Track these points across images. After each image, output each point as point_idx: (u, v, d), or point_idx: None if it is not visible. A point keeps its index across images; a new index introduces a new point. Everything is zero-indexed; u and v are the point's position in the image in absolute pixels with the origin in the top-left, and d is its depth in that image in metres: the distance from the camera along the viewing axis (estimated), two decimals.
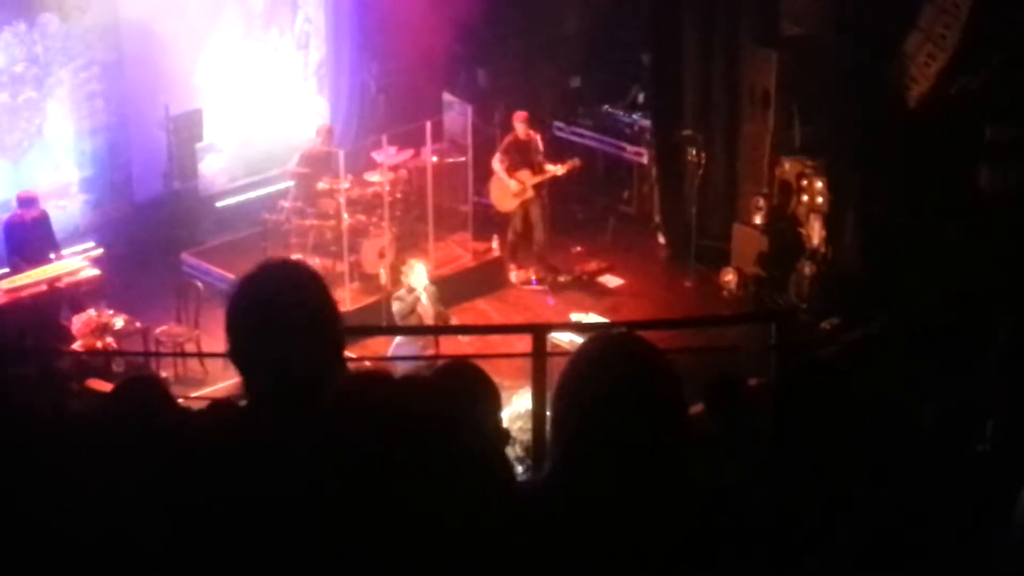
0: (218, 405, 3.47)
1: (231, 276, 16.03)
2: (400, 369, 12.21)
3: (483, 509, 2.47)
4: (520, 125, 16.59)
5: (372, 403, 2.47)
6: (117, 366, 13.10)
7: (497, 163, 16.72)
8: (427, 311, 13.72)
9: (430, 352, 13.33)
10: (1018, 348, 3.39)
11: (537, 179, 16.68)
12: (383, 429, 2.41)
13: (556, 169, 16.76)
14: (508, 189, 16.70)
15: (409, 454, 2.38)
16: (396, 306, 13.79)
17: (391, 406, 2.46)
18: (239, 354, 3.14)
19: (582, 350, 3.07)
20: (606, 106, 18.93)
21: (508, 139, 16.81)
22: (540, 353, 7.66)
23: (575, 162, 17.04)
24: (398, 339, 13.80)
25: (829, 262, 15.43)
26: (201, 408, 3.51)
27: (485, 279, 16.71)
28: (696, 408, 7.31)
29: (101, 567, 3.33)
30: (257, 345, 3.11)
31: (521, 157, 16.65)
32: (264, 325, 3.11)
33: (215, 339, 14.70)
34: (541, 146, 16.82)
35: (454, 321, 14.66)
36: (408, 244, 16.46)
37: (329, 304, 3.21)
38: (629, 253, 17.54)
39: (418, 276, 13.81)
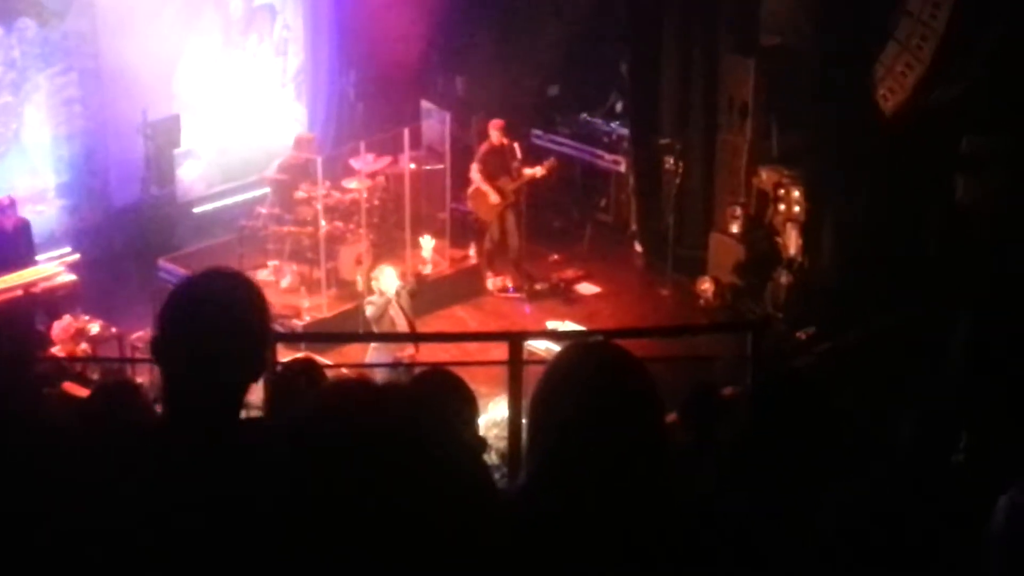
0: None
1: None
2: (379, 376, 12.24)
3: (461, 518, 2.47)
4: (495, 132, 16.59)
5: (350, 411, 2.47)
6: (92, 372, 13.05)
7: (475, 173, 16.70)
8: (399, 314, 13.73)
9: (407, 353, 13.35)
10: (977, 351, 3.41)
11: (516, 184, 16.67)
12: (360, 437, 2.41)
13: (535, 171, 16.75)
14: (488, 198, 16.68)
15: (386, 462, 2.38)
16: (369, 311, 13.81)
17: (368, 414, 2.46)
18: (163, 349, 3.20)
19: (558, 358, 3.07)
20: (584, 114, 18.97)
21: (484, 147, 16.79)
22: (516, 361, 7.68)
23: (552, 162, 17.01)
24: (374, 344, 13.82)
25: (806, 271, 15.46)
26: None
27: (462, 286, 16.71)
28: (672, 417, 7.32)
29: (73, 572, 3.32)
30: (181, 341, 3.17)
31: (498, 164, 16.64)
32: (194, 323, 3.17)
33: None
34: (518, 152, 16.81)
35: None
36: (385, 251, 16.45)
37: (264, 316, 3.28)
38: (606, 261, 17.56)
39: (388, 280, 13.81)
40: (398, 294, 13.78)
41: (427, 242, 16.53)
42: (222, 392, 3.19)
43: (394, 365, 12.84)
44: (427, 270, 16.31)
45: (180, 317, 3.23)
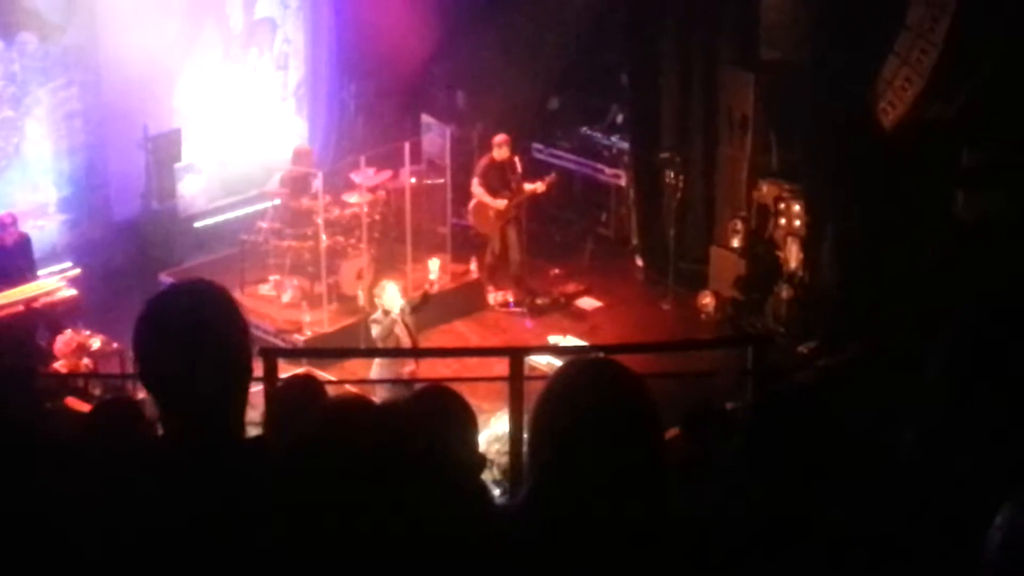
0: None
1: None
2: (381, 392, 12.23)
3: (460, 535, 2.47)
4: (500, 148, 16.57)
5: (349, 430, 2.48)
6: (94, 387, 13.05)
7: (476, 187, 16.70)
8: (404, 332, 13.69)
9: (410, 369, 13.35)
10: (968, 362, 3.41)
11: (516, 199, 16.66)
12: (357, 457, 2.41)
13: (535, 186, 16.76)
14: (489, 212, 16.68)
15: (385, 481, 2.39)
16: (375, 330, 13.75)
17: (368, 433, 2.46)
18: (145, 374, 3.16)
19: (559, 374, 3.08)
20: (584, 128, 18.96)
21: (484, 162, 16.77)
22: (517, 376, 7.67)
23: (552, 177, 17.04)
24: (378, 361, 13.79)
25: (806, 285, 15.45)
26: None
27: (463, 301, 16.70)
28: (672, 432, 7.31)
29: None
30: (160, 365, 3.14)
31: (499, 179, 16.64)
32: (167, 344, 3.14)
33: None
34: (519, 167, 16.81)
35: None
36: (386, 266, 16.45)
37: (236, 327, 3.21)
38: (607, 275, 17.56)
39: (391, 297, 13.77)
40: (402, 311, 13.74)
41: (434, 264, 16.52)
42: (208, 409, 3.11)
43: (394, 381, 12.83)
44: (434, 289, 16.19)
45: (149, 341, 3.19)
